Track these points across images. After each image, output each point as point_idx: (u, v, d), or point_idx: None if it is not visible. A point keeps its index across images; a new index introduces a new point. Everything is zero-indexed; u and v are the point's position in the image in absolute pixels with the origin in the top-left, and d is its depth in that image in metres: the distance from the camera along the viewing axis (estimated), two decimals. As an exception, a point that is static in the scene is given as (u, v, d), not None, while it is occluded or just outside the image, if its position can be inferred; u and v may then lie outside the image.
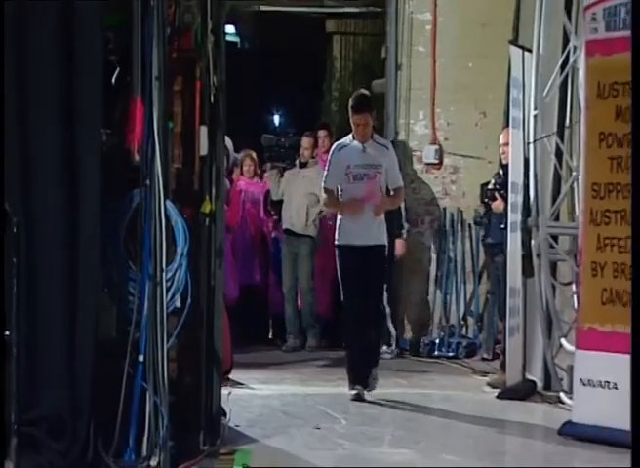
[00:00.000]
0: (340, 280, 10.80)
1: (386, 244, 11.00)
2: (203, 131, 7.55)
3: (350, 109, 10.79)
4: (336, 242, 10.78)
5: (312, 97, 20.71)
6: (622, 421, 8.19)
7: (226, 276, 9.27)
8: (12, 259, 6.52)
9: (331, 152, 10.97)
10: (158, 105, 6.98)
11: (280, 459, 7.75)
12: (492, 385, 11.43)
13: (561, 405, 10.36)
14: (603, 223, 8.84)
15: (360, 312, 10.59)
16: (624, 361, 8.35)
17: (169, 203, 7.05)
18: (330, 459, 7.83)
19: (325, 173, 10.96)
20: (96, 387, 6.80)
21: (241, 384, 10.66)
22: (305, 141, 14.29)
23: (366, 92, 11.67)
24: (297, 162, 14.38)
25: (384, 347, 13.85)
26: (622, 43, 8.70)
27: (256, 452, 7.70)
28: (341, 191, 10.65)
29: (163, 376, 6.91)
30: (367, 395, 10.32)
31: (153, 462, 6.80)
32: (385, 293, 13.28)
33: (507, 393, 10.89)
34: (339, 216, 10.84)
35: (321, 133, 14.92)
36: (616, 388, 8.60)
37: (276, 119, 24.97)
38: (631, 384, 2.79)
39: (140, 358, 6.89)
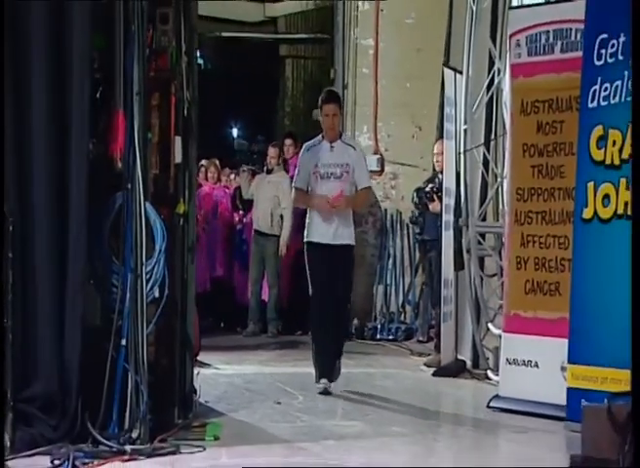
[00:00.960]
0: (308, 276, 9.81)
1: (354, 244, 9.96)
2: (177, 141, 7.49)
3: (320, 102, 9.91)
4: (305, 239, 9.80)
5: (267, 112, 20.59)
6: (543, 395, 8.41)
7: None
8: (8, 255, 6.40)
9: (301, 152, 10.13)
10: (138, 118, 6.89)
11: (246, 431, 7.68)
12: (428, 364, 11.44)
13: (488, 381, 10.39)
14: (526, 223, 8.88)
15: (328, 309, 9.59)
16: (545, 342, 8.58)
17: (148, 205, 6.95)
18: (290, 431, 7.75)
19: (295, 172, 10.16)
20: (83, 368, 6.69)
21: (208, 365, 10.49)
22: (271, 151, 14.18)
23: (334, 89, 11.47)
24: (264, 168, 14.32)
25: None
26: (543, 66, 8.76)
27: (224, 425, 7.61)
28: (311, 190, 9.71)
29: (143, 359, 6.82)
30: (332, 388, 9.42)
31: (134, 434, 6.69)
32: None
33: (442, 371, 10.92)
34: (308, 214, 9.85)
35: (287, 141, 14.83)
36: (537, 367, 8.68)
37: (234, 132, 24.90)
38: (632, 383, 2.59)
39: (123, 342, 6.78)
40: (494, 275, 11.19)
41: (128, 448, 6.48)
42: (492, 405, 8.80)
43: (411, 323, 14.64)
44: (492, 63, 11.15)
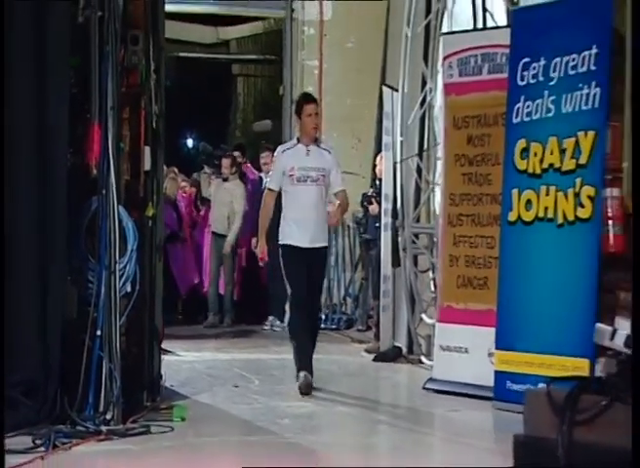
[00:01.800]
0: (285, 277, 8.93)
1: (327, 244, 9.16)
2: (147, 150, 7.42)
3: (300, 102, 8.99)
4: (280, 241, 8.79)
5: (221, 124, 20.55)
6: (472, 378, 8.42)
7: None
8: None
9: (275, 154, 9.16)
10: (112, 130, 6.84)
11: (209, 412, 7.63)
12: (368, 351, 11.40)
13: (421, 365, 10.39)
14: (458, 225, 8.89)
15: (306, 308, 8.82)
16: (474, 331, 8.61)
17: (121, 208, 6.90)
18: (249, 412, 7.69)
19: (271, 174, 9.33)
20: (62, 357, 6.63)
21: (171, 352, 10.36)
22: (224, 162, 13.93)
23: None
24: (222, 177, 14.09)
25: (278, 322, 13.79)
26: (472, 85, 8.80)
27: (189, 407, 7.51)
28: (285, 193, 8.74)
29: (116, 347, 6.78)
30: (308, 382, 8.58)
31: (108, 416, 6.65)
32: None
33: (380, 357, 10.89)
34: (283, 216, 8.83)
35: (235, 153, 14.70)
36: (467, 352, 8.70)
37: (190, 142, 24.87)
38: (632, 384, 2.56)
39: (98, 333, 6.71)
40: (426, 270, 11.17)
41: (103, 428, 6.43)
42: (427, 386, 8.79)
43: (351, 313, 14.61)
44: (424, 83, 11.15)
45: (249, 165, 14.99)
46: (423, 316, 10.76)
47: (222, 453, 6.38)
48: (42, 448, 5.97)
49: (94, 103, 6.83)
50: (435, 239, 10.65)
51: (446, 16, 11.06)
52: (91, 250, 6.88)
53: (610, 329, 3.33)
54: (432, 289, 10.85)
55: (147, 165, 7.42)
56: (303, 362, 8.66)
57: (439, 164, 10.86)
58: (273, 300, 14.04)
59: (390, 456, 6.65)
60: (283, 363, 10.12)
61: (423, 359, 10.45)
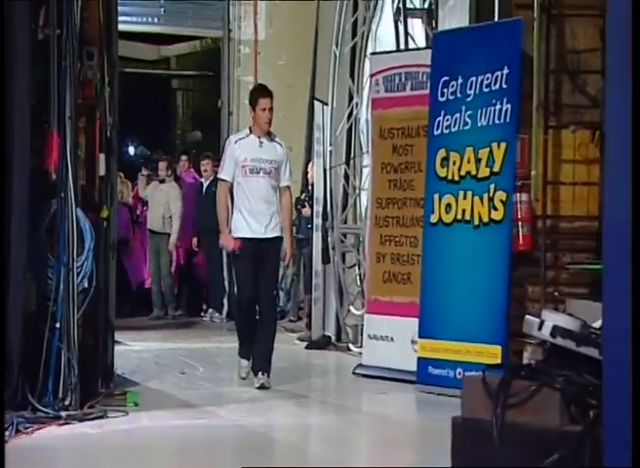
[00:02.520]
0: (235, 271, 8.58)
1: (282, 235, 8.10)
2: (101, 157, 7.26)
3: (255, 95, 8.04)
4: (232, 235, 7.89)
5: (162, 133, 20.38)
6: (397, 364, 8.38)
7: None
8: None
9: (227, 144, 8.12)
10: (70, 138, 6.68)
11: (159, 397, 7.50)
12: (301, 339, 11.31)
13: (349, 352, 10.35)
14: (384, 226, 8.85)
15: (255, 303, 7.91)
16: (399, 321, 8.55)
17: (78, 210, 6.72)
18: (196, 397, 7.56)
19: (222, 164, 8.15)
20: (23, 347, 6.41)
21: (120, 342, 10.18)
22: (161, 165, 13.66)
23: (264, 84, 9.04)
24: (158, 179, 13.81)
25: (217, 314, 13.68)
26: (397, 101, 8.80)
27: (140, 393, 7.37)
28: (237, 185, 7.86)
29: (74, 339, 6.60)
30: (268, 383, 7.76)
31: (67, 402, 6.47)
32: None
33: (312, 345, 10.84)
34: (236, 209, 8.03)
35: (183, 157, 14.66)
36: (392, 341, 8.63)
37: (131, 150, 24.63)
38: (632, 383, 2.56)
39: (57, 325, 6.54)
40: (352, 266, 11.13)
41: (62, 413, 6.28)
42: (356, 371, 8.74)
43: (284, 306, 14.49)
44: (351, 98, 11.14)
45: (192, 170, 14.81)
46: (351, 308, 10.75)
47: (176, 436, 6.25)
48: (6, 433, 5.75)
49: (53, 113, 6.65)
50: (361, 238, 10.69)
51: (370, 38, 11.08)
52: (50, 249, 6.71)
53: (538, 320, 3.31)
54: (358, 283, 10.89)
55: (102, 170, 7.26)
56: (256, 361, 7.88)
57: (365, 171, 10.91)
58: (212, 294, 13.99)
59: (327, 435, 6.58)
60: (224, 351, 10.04)
61: (351, 346, 10.45)
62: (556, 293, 7.62)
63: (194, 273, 14.42)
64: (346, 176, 11.13)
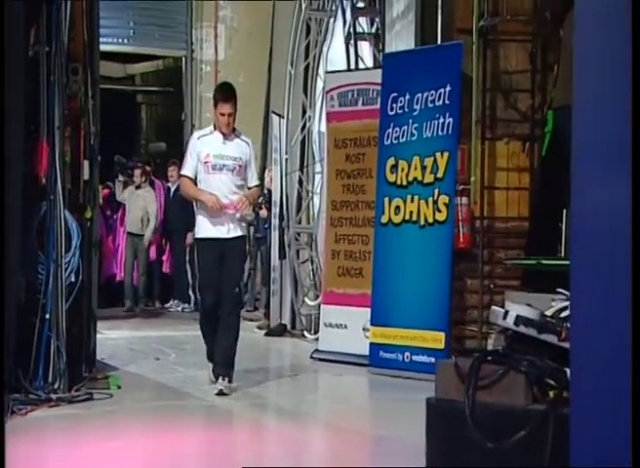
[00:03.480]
0: (198, 272, 7.51)
1: (245, 234, 7.26)
2: (86, 163, 7.10)
3: (216, 99, 6.94)
4: (197, 235, 7.02)
5: (128, 144, 20.10)
6: (350, 349, 8.31)
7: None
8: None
9: (190, 140, 7.17)
10: (58, 146, 6.57)
11: (138, 381, 7.36)
12: (259, 327, 11.19)
13: (304, 338, 10.26)
14: (338, 226, 8.78)
15: (218, 304, 6.82)
16: (351, 311, 8.49)
17: (66, 211, 6.59)
18: (172, 380, 7.43)
19: (185, 160, 7.05)
20: (16, 336, 6.23)
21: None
22: (136, 172, 13.36)
23: (230, 83, 7.58)
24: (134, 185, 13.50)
25: (184, 304, 13.54)
26: (349, 114, 8.76)
27: (121, 377, 7.29)
28: (200, 182, 6.85)
29: (62, 328, 6.47)
30: (228, 389, 6.64)
31: (56, 385, 6.34)
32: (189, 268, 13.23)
33: (271, 332, 10.73)
34: (197, 211, 7.14)
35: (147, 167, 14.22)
36: (346, 328, 8.54)
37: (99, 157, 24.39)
38: (632, 383, 2.48)
39: (47, 316, 6.42)
40: (305, 261, 11.05)
41: (53, 396, 6.14)
42: (314, 356, 8.66)
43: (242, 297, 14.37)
44: (305, 112, 11.10)
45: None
46: (306, 299, 10.69)
47: (158, 416, 6.13)
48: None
49: (42, 124, 6.52)
50: (314, 237, 10.66)
51: (322, 58, 11.04)
52: (40, 246, 6.54)
53: (502, 310, 3.27)
54: (311, 276, 10.84)
55: (86, 175, 7.09)
56: (217, 364, 6.86)
57: (317, 177, 10.88)
58: (177, 287, 13.83)
59: (291, 412, 6.46)
60: (190, 339, 9.79)
61: (306, 333, 10.37)
62: (492, 286, 7.63)
63: (161, 269, 14.23)
64: (300, 182, 11.10)
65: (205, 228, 6.85)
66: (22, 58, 6.33)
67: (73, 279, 6.62)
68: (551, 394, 3.07)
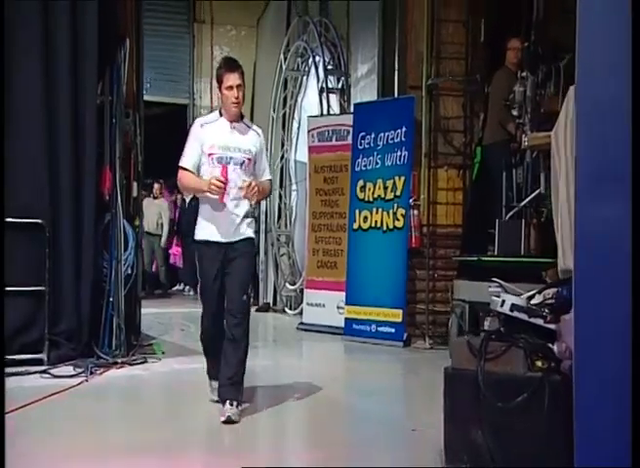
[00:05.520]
0: (199, 279, 4.49)
1: (253, 236, 4.44)
2: (135, 184, 6.93)
3: (220, 74, 4.34)
4: (196, 237, 4.41)
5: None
6: (327, 322, 8.17)
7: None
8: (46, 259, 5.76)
9: (192, 128, 4.46)
10: (118, 171, 6.36)
11: (174, 347, 7.01)
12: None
13: (285, 314, 10.10)
14: (318, 230, 8.71)
15: (221, 314, 4.34)
16: (328, 294, 8.33)
17: (124, 220, 6.40)
18: (197, 346, 7.02)
19: (185, 150, 4.40)
20: (90, 315, 6.08)
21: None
22: (156, 186, 12.92)
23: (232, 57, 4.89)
24: (152, 195, 12.91)
25: (187, 287, 13.23)
26: (326, 148, 8.70)
27: (161, 344, 7.06)
28: (202, 177, 4.32)
29: (120, 308, 6.27)
30: (237, 415, 4.18)
31: (117, 352, 6.13)
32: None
33: (259, 309, 10.59)
34: (200, 209, 4.42)
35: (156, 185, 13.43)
36: (324, 307, 8.41)
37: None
38: (632, 383, 2.33)
39: (110, 299, 6.22)
40: (283, 255, 10.91)
41: (118, 360, 5.95)
42: (299, 327, 8.55)
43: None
44: (283, 145, 10.96)
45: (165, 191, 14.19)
46: (286, 284, 10.55)
47: (197, 375, 5.93)
48: (82, 374, 5.44)
49: (107, 154, 6.31)
50: (291, 238, 10.55)
51: (297, 106, 10.93)
52: (106, 247, 6.31)
53: (500, 299, 3.19)
54: (290, 268, 10.70)
55: (135, 193, 6.95)
56: (221, 386, 4.33)
57: (293, 194, 10.75)
58: (185, 275, 13.35)
59: (284, 369, 6.28)
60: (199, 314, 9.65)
61: (287, 310, 10.26)
62: (435, 275, 7.59)
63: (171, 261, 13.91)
64: (280, 197, 10.96)
65: (206, 230, 4.33)
66: (95, 106, 6.12)
67: (130, 272, 6.47)
68: (541, 364, 3.00)
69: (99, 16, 5.91)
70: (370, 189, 7.72)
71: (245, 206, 4.31)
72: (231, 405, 4.20)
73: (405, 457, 3.63)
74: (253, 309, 10.20)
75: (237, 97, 4.25)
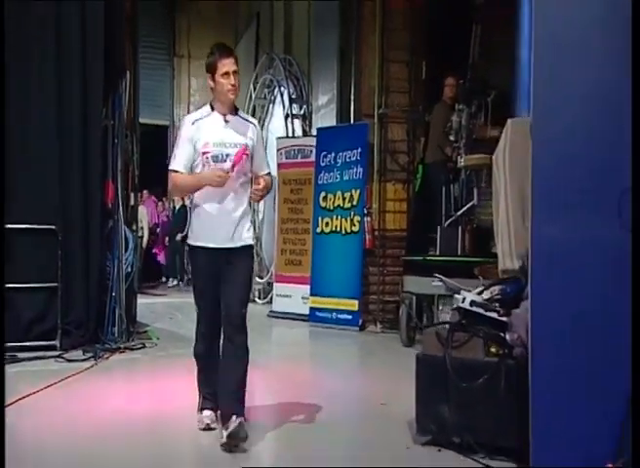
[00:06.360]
0: (193, 288, 3.39)
1: (253, 243, 3.43)
2: (132, 195, 6.67)
3: (213, 60, 3.26)
4: (189, 241, 3.39)
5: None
6: (293, 310, 7.98)
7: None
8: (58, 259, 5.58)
9: (182, 126, 3.32)
10: (120, 184, 6.20)
11: (167, 334, 6.83)
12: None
13: (256, 303, 9.68)
14: (286, 233, 8.57)
15: (218, 323, 3.29)
16: (294, 287, 8.14)
17: (124, 226, 6.21)
18: (188, 332, 6.79)
19: (175, 151, 3.28)
20: (96, 307, 5.91)
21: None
22: (144, 193, 12.34)
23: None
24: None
25: (175, 281, 12.75)
26: (292, 164, 8.55)
27: (155, 330, 6.87)
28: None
29: (121, 301, 6.09)
30: (244, 432, 3.13)
31: (119, 339, 5.95)
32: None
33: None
34: (194, 209, 3.32)
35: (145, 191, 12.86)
36: (290, 297, 8.26)
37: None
38: (632, 383, 2.34)
39: (113, 294, 6.04)
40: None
41: (121, 346, 5.79)
42: (270, 314, 8.39)
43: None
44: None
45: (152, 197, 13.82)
46: (256, 277, 10.36)
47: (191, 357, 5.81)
48: (91, 358, 5.31)
49: (110, 169, 6.14)
50: (260, 239, 10.34)
51: (265, 129, 10.75)
52: (109, 248, 6.13)
53: (461, 297, 3.18)
54: (258, 264, 10.50)
55: (132, 202, 6.72)
56: (222, 404, 3.34)
57: (261, 202, 10.53)
58: (171, 268, 12.92)
59: (257, 352, 6.20)
60: (185, 304, 9.29)
61: (257, 299, 10.05)
62: (385, 271, 7.58)
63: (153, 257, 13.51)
64: (250, 204, 10.70)
65: (201, 234, 3.30)
66: (100, 128, 5.94)
67: (129, 270, 6.30)
68: (496, 351, 3.00)
69: (105, 51, 5.81)
70: (331, 199, 7.68)
71: (244, 205, 3.35)
72: (237, 417, 3.13)
73: (376, 428, 3.56)
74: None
75: (234, 87, 3.23)
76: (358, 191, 7.41)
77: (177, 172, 3.25)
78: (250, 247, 3.38)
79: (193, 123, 3.27)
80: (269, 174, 3.50)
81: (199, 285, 3.34)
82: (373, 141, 7.54)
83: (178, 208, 12.63)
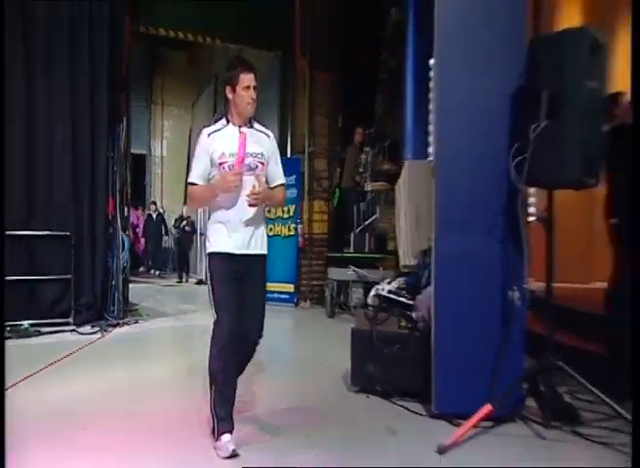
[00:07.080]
0: (213, 295, 2.34)
1: (266, 253, 2.51)
2: (126, 208, 6.32)
3: (235, 71, 2.33)
4: (208, 249, 2.39)
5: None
6: None
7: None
8: (71, 252, 5.19)
9: (199, 140, 2.37)
10: (118, 200, 5.95)
11: (154, 311, 6.50)
12: (198, 283, 9.85)
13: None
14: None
15: (236, 339, 2.31)
16: None
17: (121, 232, 5.97)
18: (170, 310, 6.71)
19: (192, 165, 2.37)
20: (101, 291, 5.64)
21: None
22: (152, 207, 11.57)
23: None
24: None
25: (158, 270, 11.70)
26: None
27: (144, 308, 6.57)
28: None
29: (119, 287, 5.85)
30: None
31: (119, 316, 5.68)
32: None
33: (200, 282, 9.68)
34: (212, 217, 2.40)
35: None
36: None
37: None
38: (632, 382, 2.02)
39: (114, 282, 5.79)
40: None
41: (119, 321, 5.57)
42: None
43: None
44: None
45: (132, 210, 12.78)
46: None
47: (175, 329, 5.68)
48: (99, 332, 5.12)
49: (111, 189, 5.89)
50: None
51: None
52: (110, 248, 5.83)
53: (382, 287, 3.23)
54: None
55: (126, 214, 6.42)
56: (225, 415, 2.34)
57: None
58: (156, 261, 11.71)
59: (211, 319, 5.93)
60: (164, 288, 8.95)
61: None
62: (312, 263, 7.59)
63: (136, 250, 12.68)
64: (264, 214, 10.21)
65: (218, 239, 2.48)
66: (105, 159, 5.65)
67: (125, 264, 6.07)
68: (405, 325, 3.09)
69: (107, 102, 5.69)
70: (274, 212, 7.60)
71: (259, 214, 2.53)
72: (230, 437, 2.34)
73: (317, 384, 3.43)
74: (192, 282, 9.80)
75: (253, 98, 2.47)
76: (294, 206, 7.40)
77: (194, 184, 2.47)
78: (265, 256, 2.56)
79: (209, 135, 2.47)
80: (283, 185, 2.59)
81: (219, 293, 2.41)
82: (304, 171, 7.57)
83: (154, 216, 12.07)
